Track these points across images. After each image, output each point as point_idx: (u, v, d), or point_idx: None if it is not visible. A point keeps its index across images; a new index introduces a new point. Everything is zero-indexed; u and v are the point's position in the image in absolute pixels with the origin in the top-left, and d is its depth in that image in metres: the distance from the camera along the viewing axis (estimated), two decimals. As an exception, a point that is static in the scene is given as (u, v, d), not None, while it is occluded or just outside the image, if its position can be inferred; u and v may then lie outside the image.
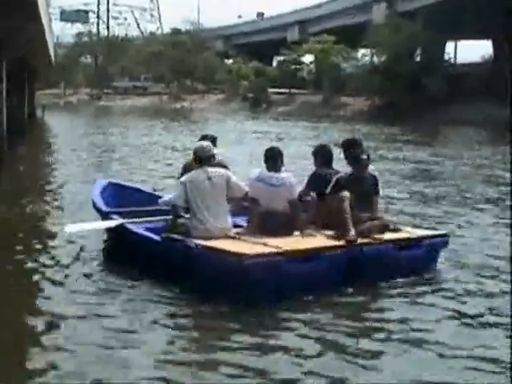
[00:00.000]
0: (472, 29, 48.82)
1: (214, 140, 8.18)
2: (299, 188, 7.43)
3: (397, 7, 54.81)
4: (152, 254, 6.79)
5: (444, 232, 7.68)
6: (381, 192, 7.57)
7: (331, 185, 7.22)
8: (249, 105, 61.98)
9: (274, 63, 77.08)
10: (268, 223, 6.93)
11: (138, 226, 7.29)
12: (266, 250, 6.24)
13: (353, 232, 6.71)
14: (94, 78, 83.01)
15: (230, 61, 79.48)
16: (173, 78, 76.44)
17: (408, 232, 7.29)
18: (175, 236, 6.65)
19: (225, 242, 6.47)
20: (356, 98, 54.37)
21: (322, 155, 7.81)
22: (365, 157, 7.43)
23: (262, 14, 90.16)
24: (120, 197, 8.53)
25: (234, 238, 6.71)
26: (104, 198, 8.27)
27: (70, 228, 7.62)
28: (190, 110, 62.45)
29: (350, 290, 6.37)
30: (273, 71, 67.73)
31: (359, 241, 6.71)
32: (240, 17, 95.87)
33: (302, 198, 7.41)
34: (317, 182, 7.48)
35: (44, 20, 14.70)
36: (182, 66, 74.10)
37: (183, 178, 6.94)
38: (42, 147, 23.78)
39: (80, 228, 7.67)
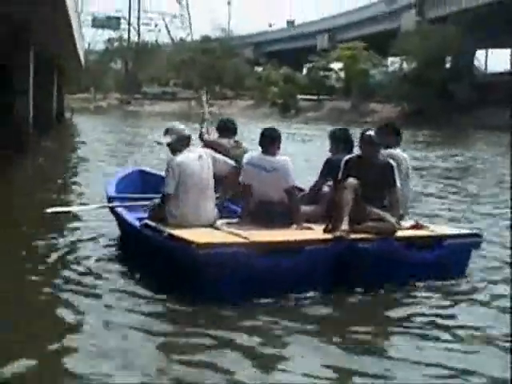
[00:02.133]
0: (503, 36, 48.32)
1: (235, 128, 8.01)
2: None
3: (427, 13, 54.44)
4: (134, 240, 6.36)
5: (475, 231, 6.62)
6: (398, 184, 6.22)
7: (341, 169, 6.22)
8: (278, 110, 62.01)
9: (304, 71, 77.12)
10: (262, 214, 6.14)
11: (127, 211, 6.79)
12: (230, 240, 5.47)
13: (344, 227, 5.73)
14: (123, 84, 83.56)
15: (260, 68, 79.67)
16: (202, 84, 76.65)
17: (431, 230, 6.33)
18: (153, 224, 5.96)
19: (196, 232, 5.65)
20: (385, 104, 54.15)
21: (340, 139, 6.87)
22: (374, 134, 6.27)
23: (293, 21, 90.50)
24: (144, 183, 8.31)
25: (214, 228, 5.97)
26: (122, 183, 8.05)
27: (52, 209, 7.33)
28: (218, 114, 62.51)
29: (343, 290, 5.60)
30: (302, 78, 67.66)
31: (355, 236, 5.75)
32: (271, 25, 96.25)
33: (316, 188, 6.69)
34: (334, 169, 6.40)
35: (70, 10, 14.74)
36: (211, 73, 74.38)
37: (173, 163, 6.06)
38: (69, 145, 23.89)
39: (61, 209, 7.72)
